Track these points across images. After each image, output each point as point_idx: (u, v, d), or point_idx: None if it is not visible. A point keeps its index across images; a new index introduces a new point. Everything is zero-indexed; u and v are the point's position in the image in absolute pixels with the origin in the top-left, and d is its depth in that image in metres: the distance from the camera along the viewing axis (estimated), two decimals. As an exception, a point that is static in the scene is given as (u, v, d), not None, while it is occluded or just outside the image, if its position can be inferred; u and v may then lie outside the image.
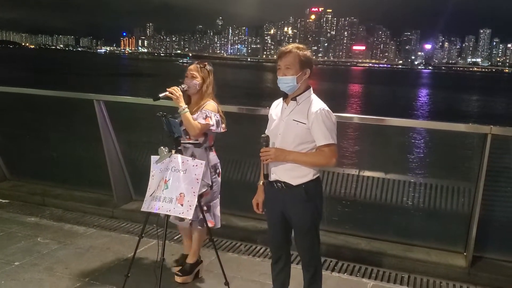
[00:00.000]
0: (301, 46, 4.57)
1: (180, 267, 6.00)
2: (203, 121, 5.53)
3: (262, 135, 4.57)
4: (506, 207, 6.44)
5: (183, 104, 5.28)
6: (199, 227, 5.83)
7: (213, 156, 5.84)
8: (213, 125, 5.57)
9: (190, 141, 5.44)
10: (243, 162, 7.35)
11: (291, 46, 4.54)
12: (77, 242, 7.04)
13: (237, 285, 5.76)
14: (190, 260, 6.01)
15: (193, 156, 5.57)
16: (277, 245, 4.94)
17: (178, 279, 5.86)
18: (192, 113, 5.53)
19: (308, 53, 4.54)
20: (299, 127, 4.44)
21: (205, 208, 5.76)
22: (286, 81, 4.49)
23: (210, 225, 5.76)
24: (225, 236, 7.13)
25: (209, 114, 5.61)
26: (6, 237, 7.11)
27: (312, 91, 4.63)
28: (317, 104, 4.50)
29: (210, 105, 5.67)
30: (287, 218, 4.70)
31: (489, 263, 6.37)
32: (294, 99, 4.56)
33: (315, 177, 4.61)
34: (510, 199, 6.35)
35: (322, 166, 4.54)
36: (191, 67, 5.70)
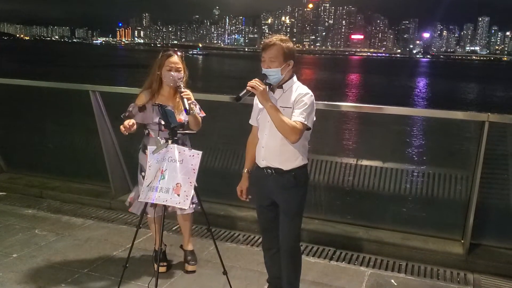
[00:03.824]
0: (284, 38, 4.67)
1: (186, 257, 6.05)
2: (202, 114, 5.71)
3: (263, 72, 4.62)
4: (504, 194, 6.48)
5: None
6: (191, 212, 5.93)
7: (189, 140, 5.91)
8: (204, 114, 5.75)
9: (190, 131, 5.46)
10: (240, 152, 7.36)
11: (274, 39, 4.62)
12: (75, 234, 7.07)
13: (236, 274, 5.79)
14: (192, 247, 6.10)
15: (184, 144, 5.60)
16: (266, 227, 5.07)
17: (193, 267, 5.96)
18: (175, 103, 5.58)
19: (291, 44, 4.65)
20: (286, 112, 4.54)
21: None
22: (271, 73, 4.58)
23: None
24: (224, 226, 7.17)
25: (199, 105, 5.72)
26: (4, 229, 7.14)
27: (296, 79, 4.75)
28: (301, 89, 4.64)
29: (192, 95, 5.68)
30: (276, 201, 4.82)
31: (486, 250, 6.41)
32: (280, 87, 4.68)
33: (303, 163, 4.74)
34: (508, 186, 6.39)
35: (285, 133, 4.50)
36: (175, 59, 5.56)
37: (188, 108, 5.22)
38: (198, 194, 5.45)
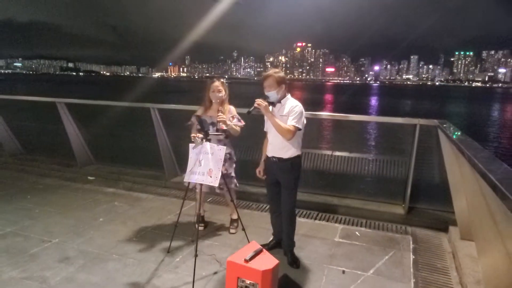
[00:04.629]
0: (276, 70, 4.81)
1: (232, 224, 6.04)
2: (240, 124, 5.60)
3: (266, 94, 4.73)
4: (430, 173, 6.47)
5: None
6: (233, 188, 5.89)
7: (231, 143, 5.86)
8: (244, 123, 5.65)
9: (217, 133, 5.44)
10: (254, 148, 7.34)
11: (270, 71, 4.77)
12: (142, 205, 7.07)
13: (251, 230, 5.78)
14: (235, 216, 6.04)
15: (225, 144, 5.61)
16: (272, 198, 5.15)
17: (233, 230, 5.90)
18: (219, 116, 5.51)
19: (282, 74, 4.78)
20: (283, 119, 4.68)
21: (233, 175, 5.85)
22: (270, 95, 4.72)
23: (238, 184, 5.90)
24: (242, 198, 7.16)
25: (239, 117, 5.66)
26: (94, 202, 7.15)
27: (289, 96, 4.84)
28: (293, 102, 4.75)
29: (234, 109, 5.70)
30: (279, 180, 4.91)
31: (419, 211, 6.42)
32: (279, 102, 4.79)
33: (297, 154, 4.83)
34: (432, 168, 6.37)
35: (283, 134, 4.66)
36: (216, 84, 5.56)
37: (218, 128, 5.35)
38: (225, 180, 5.44)
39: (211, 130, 5.46)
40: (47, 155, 10.26)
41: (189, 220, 6.22)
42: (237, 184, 5.89)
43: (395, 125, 6.92)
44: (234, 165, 5.85)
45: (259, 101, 4.64)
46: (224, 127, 5.39)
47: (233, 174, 5.81)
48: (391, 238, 5.75)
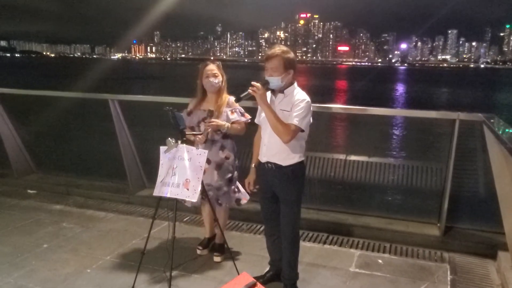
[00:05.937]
0: (285, 49, 4.63)
1: (209, 248, 6.12)
2: (244, 118, 5.65)
3: (266, 79, 4.61)
4: (473, 183, 6.51)
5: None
6: (226, 207, 5.99)
7: (233, 143, 5.86)
8: (249, 117, 5.64)
9: (194, 133, 5.45)
10: (242, 151, 7.34)
11: (277, 50, 4.59)
12: (98, 226, 7.08)
13: (241, 258, 5.82)
14: (219, 240, 6.06)
15: (222, 148, 5.67)
16: (268, 217, 5.11)
17: (217, 259, 5.87)
18: (217, 108, 5.54)
19: (291, 55, 4.63)
20: (285, 114, 4.54)
21: (236, 189, 5.92)
22: (272, 81, 4.58)
23: (244, 201, 5.99)
24: (229, 217, 7.16)
25: (241, 110, 5.70)
26: (35, 223, 7.14)
27: (296, 85, 4.73)
28: (300, 95, 4.63)
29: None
30: (276, 193, 4.85)
31: (459, 232, 6.45)
32: (282, 92, 4.67)
33: (300, 160, 4.76)
34: (476, 176, 6.41)
35: (279, 133, 4.50)
36: (211, 67, 5.59)
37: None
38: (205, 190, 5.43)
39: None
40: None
41: (160, 244, 6.23)
42: (242, 202, 6.00)
43: (427, 120, 6.94)
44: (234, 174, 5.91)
45: (256, 86, 4.49)
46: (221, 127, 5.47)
47: (233, 186, 5.85)
48: (423, 267, 5.78)
